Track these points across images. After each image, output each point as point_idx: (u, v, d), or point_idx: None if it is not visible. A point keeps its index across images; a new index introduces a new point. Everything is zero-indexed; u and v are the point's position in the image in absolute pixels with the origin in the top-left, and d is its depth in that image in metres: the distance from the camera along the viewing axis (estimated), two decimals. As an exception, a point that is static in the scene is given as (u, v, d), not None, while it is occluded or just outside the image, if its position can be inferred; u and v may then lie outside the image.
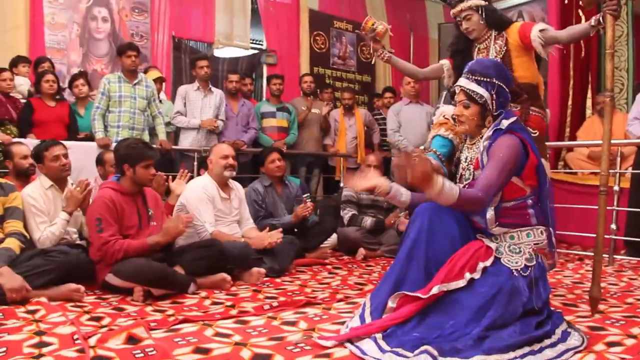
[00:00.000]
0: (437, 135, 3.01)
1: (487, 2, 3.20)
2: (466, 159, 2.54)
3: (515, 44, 3.10)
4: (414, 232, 2.43)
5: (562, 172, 5.94)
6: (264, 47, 7.89)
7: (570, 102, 6.67)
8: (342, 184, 6.33)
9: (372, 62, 3.74)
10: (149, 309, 2.86)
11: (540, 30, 3.02)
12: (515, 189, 2.37)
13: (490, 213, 2.37)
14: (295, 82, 7.25)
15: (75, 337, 2.23)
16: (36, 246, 3.31)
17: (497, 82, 2.45)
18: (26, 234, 3.26)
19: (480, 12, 3.16)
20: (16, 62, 5.46)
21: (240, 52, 7.79)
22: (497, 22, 3.19)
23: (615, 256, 4.51)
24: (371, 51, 3.58)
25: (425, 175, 2.15)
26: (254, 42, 7.83)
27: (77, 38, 6.34)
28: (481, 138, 2.47)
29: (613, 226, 4.50)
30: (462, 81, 2.51)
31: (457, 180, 2.55)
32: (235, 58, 7.87)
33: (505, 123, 2.41)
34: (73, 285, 2.97)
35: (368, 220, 4.94)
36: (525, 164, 2.36)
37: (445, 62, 3.43)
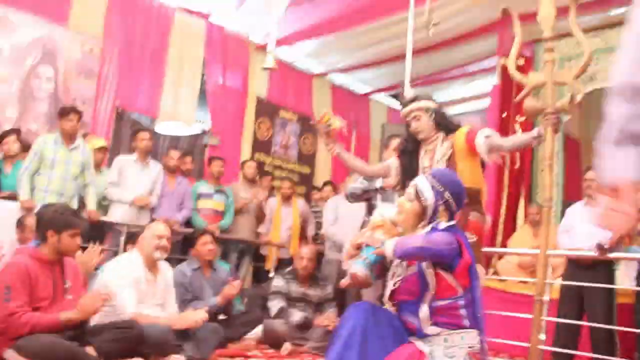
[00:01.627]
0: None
1: (437, 105, 3.29)
2: None
3: (461, 147, 3.16)
4: (346, 332, 2.34)
5: (492, 279, 6.00)
6: (207, 128, 7.85)
7: (503, 210, 6.87)
8: (271, 274, 6.16)
9: (334, 153, 3.63)
10: (50, 393, 2.59)
11: (486, 137, 3.08)
12: (447, 287, 2.36)
13: (424, 310, 2.34)
14: (234, 166, 7.19)
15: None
16: None
17: (448, 195, 2.48)
18: None
19: (430, 113, 3.24)
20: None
21: (183, 130, 7.70)
22: (446, 124, 3.26)
23: (544, 366, 4.49)
24: (325, 144, 3.58)
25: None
26: (199, 121, 7.79)
27: (16, 93, 6.12)
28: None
29: (542, 336, 4.50)
30: (419, 179, 2.57)
31: (390, 277, 2.51)
32: (177, 136, 7.77)
33: (443, 224, 2.43)
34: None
35: (297, 316, 4.78)
36: (459, 262, 2.35)
37: (393, 161, 3.45)
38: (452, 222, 2.48)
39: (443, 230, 2.42)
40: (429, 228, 2.44)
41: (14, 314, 2.88)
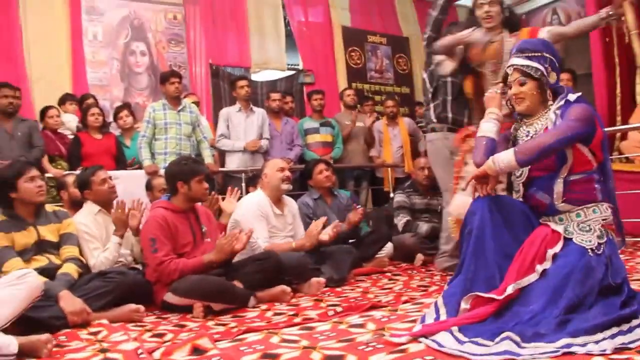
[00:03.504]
0: None
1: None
2: (528, 133, 2.42)
3: None
4: (475, 227, 2.32)
5: (618, 162, 5.65)
6: (300, 68, 7.90)
7: (618, 90, 6.39)
8: (391, 195, 6.19)
9: None
10: (210, 323, 2.79)
11: (548, 31, 3.18)
12: (584, 161, 2.29)
13: (559, 185, 2.29)
14: (334, 99, 7.20)
15: (140, 351, 2.17)
16: (92, 272, 3.29)
17: (548, 55, 2.39)
18: (82, 259, 3.26)
19: (503, 6, 3.32)
20: (64, 100, 5.60)
21: (278, 74, 7.81)
22: (513, 21, 3.37)
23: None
24: None
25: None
26: (291, 65, 7.86)
27: (117, 73, 6.47)
28: (548, 111, 2.37)
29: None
30: (514, 60, 2.44)
31: None
32: (273, 80, 7.89)
33: (573, 96, 2.33)
34: (133, 306, 2.93)
35: (424, 227, 4.78)
36: (594, 135, 2.26)
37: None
38: (579, 94, 2.36)
39: (576, 102, 2.31)
40: (562, 102, 2.34)
41: (163, 262, 3.11)
